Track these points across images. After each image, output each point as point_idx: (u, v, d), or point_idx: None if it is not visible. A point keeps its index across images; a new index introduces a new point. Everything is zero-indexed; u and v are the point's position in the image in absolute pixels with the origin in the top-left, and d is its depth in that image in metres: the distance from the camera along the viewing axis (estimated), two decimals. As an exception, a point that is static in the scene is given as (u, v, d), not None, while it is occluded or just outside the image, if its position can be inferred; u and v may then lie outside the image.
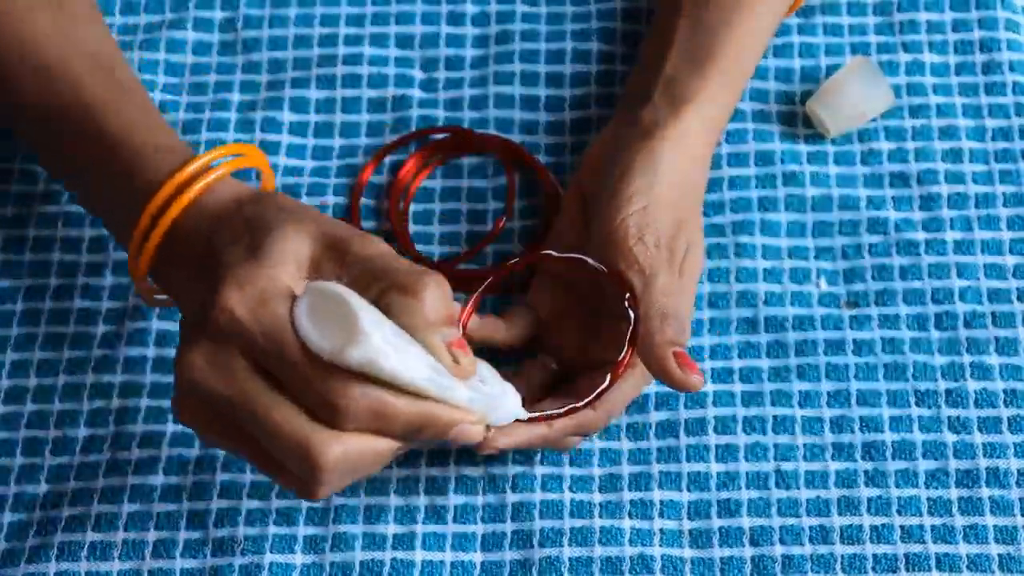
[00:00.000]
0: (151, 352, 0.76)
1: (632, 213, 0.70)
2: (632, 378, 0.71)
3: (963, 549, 0.70)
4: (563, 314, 0.74)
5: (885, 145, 0.81)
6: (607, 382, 0.68)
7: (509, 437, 0.68)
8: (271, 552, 0.71)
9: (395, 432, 0.61)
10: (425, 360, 0.61)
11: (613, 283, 0.70)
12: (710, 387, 0.75)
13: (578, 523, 0.71)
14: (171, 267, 0.67)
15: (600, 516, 0.72)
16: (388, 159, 0.82)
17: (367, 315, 0.59)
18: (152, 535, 0.72)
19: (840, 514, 0.71)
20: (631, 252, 0.69)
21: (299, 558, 0.71)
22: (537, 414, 0.68)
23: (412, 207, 0.81)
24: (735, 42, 0.76)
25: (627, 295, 0.69)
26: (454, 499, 0.72)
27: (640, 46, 0.81)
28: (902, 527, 0.71)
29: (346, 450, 0.60)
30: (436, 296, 0.61)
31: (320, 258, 0.62)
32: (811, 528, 0.71)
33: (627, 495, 0.72)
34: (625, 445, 0.74)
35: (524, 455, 0.73)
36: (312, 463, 0.59)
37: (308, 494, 0.61)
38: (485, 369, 0.65)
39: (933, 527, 0.71)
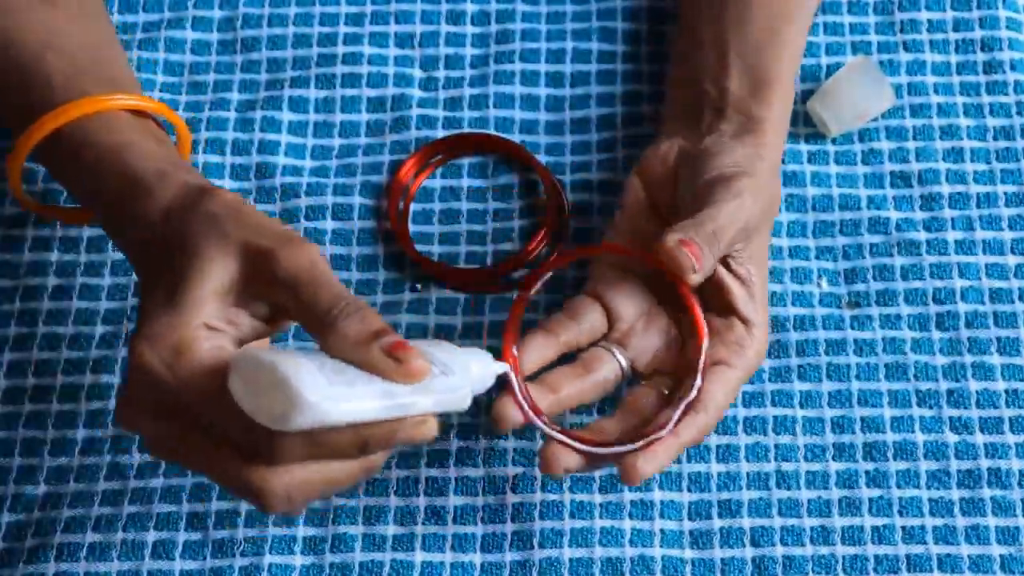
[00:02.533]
0: (150, 352, 0.76)
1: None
2: (728, 374, 0.69)
3: (965, 550, 0.70)
4: (641, 318, 0.73)
5: (886, 144, 0.81)
6: (693, 389, 0.68)
7: (654, 463, 0.66)
8: (270, 553, 0.71)
9: (338, 455, 0.60)
10: (376, 387, 0.59)
11: (663, 270, 0.69)
12: (711, 387, 0.75)
13: (578, 524, 0.71)
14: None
15: (600, 517, 0.71)
16: (387, 159, 0.82)
17: (305, 376, 0.57)
18: (151, 536, 0.71)
19: (841, 515, 0.71)
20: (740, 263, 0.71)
21: (298, 559, 0.71)
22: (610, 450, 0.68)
23: (412, 207, 0.80)
24: (787, 49, 0.77)
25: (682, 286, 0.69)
26: (454, 500, 0.72)
27: (675, 52, 0.81)
28: (903, 528, 0.71)
29: (290, 482, 0.59)
30: (355, 322, 0.60)
31: (247, 276, 0.61)
32: (812, 529, 0.71)
33: (627, 496, 0.72)
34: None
35: (524, 456, 0.73)
36: (259, 501, 0.59)
37: (261, 510, 0.61)
38: (442, 352, 0.63)
39: (935, 528, 0.71)
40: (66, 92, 0.69)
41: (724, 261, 0.70)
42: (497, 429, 0.68)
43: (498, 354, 0.67)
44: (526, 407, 0.67)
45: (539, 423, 0.67)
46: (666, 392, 0.70)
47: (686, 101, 0.77)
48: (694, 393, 0.68)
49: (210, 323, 0.61)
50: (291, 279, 0.61)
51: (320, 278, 0.61)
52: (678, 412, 0.67)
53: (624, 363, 0.71)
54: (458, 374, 0.62)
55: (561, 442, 0.67)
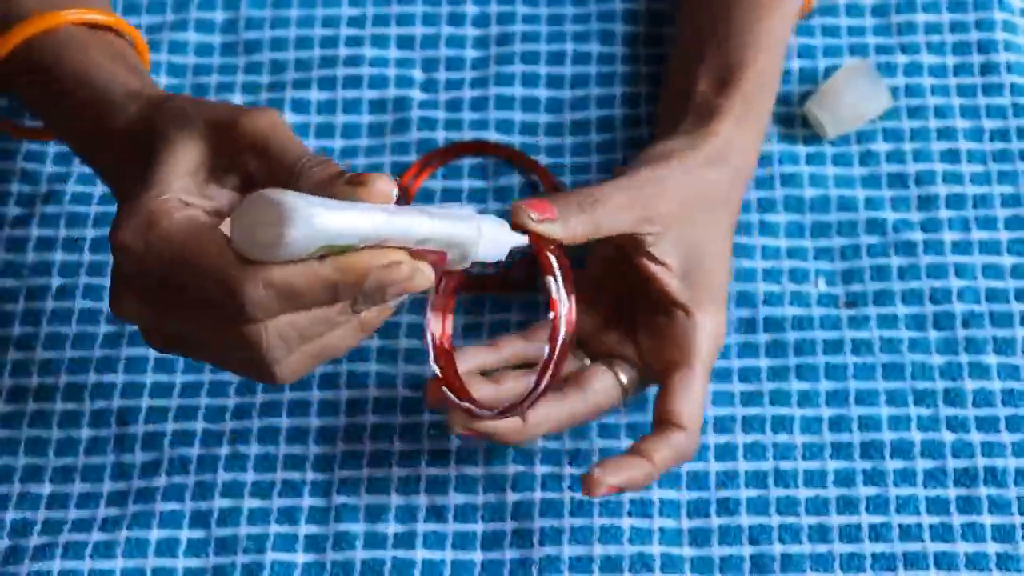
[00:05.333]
0: (153, 352, 0.76)
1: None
2: (693, 382, 0.69)
3: (961, 548, 0.71)
4: (603, 323, 0.73)
5: (883, 146, 0.82)
6: (537, 385, 0.65)
7: (617, 476, 0.66)
8: (272, 551, 0.71)
9: (313, 301, 0.57)
10: (367, 207, 0.56)
11: (538, 252, 0.66)
12: (710, 386, 0.75)
13: (578, 522, 0.71)
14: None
15: (600, 515, 0.72)
16: (389, 160, 0.82)
17: (297, 198, 0.54)
18: (155, 534, 0.72)
19: (839, 513, 0.72)
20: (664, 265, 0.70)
21: (300, 557, 0.71)
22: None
23: (413, 208, 0.81)
24: (759, 42, 0.76)
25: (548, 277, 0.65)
26: (455, 498, 0.72)
27: (670, 56, 0.82)
28: (900, 526, 0.71)
29: (281, 331, 0.57)
30: (320, 169, 0.59)
31: (214, 150, 0.61)
32: (810, 527, 0.71)
33: (626, 494, 0.72)
34: (624, 444, 0.74)
35: (523, 453, 0.73)
36: (260, 367, 0.58)
37: (268, 379, 0.59)
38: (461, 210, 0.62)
39: (931, 526, 0.71)
40: (19, 9, 0.69)
41: (647, 253, 0.69)
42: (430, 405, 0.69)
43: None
44: (431, 355, 0.68)
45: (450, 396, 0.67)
46: (623, 380, 0.71)
47: (669, 105, 0.77)
48: (547, 354, 0.64)
49: (183, 198, 0.60)
50: (255, 142, 0.60)
51: (283, 137, 0.60)
52: (544, 375, 0.65)
53: (624, 379, 0.71)
54: (463, 220, 0.60)
55: (455, 406, 0.67)
